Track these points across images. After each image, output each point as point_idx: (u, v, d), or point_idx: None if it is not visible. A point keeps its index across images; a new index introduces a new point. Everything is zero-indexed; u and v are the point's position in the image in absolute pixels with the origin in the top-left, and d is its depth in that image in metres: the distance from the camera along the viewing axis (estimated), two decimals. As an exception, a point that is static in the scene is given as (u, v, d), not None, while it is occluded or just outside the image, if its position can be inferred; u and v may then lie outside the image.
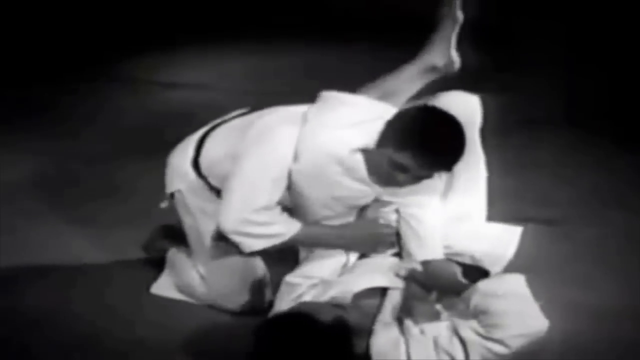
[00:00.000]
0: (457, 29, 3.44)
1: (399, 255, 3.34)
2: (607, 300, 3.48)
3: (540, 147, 4.90)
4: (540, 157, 4.79)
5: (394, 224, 3.29)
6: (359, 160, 3.13)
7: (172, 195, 3.46)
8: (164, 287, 3.57)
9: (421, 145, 3.01)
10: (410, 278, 3.21)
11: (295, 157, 3.14)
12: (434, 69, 3.45)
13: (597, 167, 4.69)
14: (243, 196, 3.15)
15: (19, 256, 3.82)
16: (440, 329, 3.02)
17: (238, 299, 3.39)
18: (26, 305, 3.49)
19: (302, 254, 3.36)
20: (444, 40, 3.43)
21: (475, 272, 3.32)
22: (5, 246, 3.90)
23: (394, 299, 3.16)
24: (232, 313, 3.41)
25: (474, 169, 3.44)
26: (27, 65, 6.25)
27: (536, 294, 3.33)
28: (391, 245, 3.31)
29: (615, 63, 5.76)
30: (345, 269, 3.31)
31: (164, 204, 3.51)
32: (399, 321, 3.11)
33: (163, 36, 6.79)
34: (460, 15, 3.42)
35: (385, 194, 3.24)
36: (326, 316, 2.93)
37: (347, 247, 3.28)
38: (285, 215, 3.20)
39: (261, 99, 3.40)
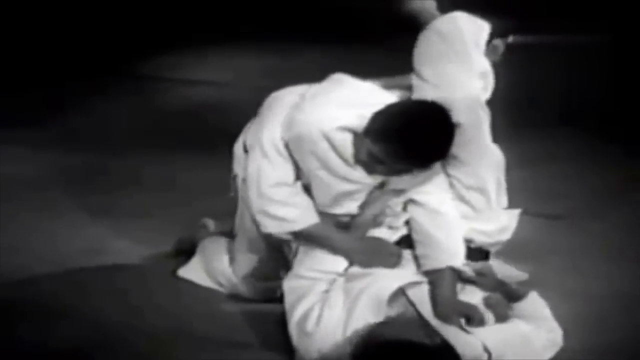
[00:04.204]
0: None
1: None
2: (613, 289, 3.57)
3: (550, 144, 5.00)
4: (548, 154, 4.89)
5: (400, 216, 3.24)
6: (347, 140, 3.11)
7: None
8: (191, 271, 3.64)
9: (394, 140, 2.99)
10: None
11: (288, 127, 3.16)
12: None
13: (603, 164, 4.80)
14: (259, 169, 3.21)
15: (42, 248, 3.90)
16: None
17: (257, 284, 3.48)
18: (47, 296, 3.53)
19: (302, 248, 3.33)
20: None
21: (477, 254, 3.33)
22: (31, 237, 3.99)
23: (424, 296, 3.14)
24: (249, 300, 3.49)
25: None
26: (54, 64, 6.34)
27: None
28: (394, 265, 3.23)
29: (619, 63, 5.83)
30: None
31: (232, 194, 3.50)
32: None
33: (183, 36, 6.89)
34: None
35: (384, 182, 3.21)
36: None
37: (350, 258, 3.22)
38: (306, 203, 3.22)
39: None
